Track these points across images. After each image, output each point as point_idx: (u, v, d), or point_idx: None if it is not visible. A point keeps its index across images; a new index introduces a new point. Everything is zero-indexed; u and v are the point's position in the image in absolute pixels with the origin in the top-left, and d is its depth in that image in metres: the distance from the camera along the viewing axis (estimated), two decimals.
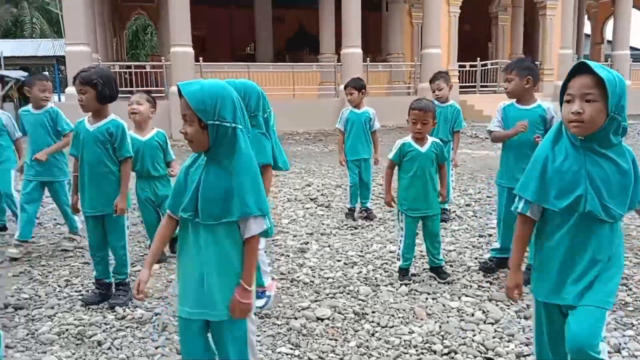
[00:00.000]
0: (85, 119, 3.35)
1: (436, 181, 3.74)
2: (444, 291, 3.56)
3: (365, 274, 3.90)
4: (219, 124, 1.89)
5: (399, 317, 3.18)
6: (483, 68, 17.59)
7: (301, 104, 14.90)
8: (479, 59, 17.39)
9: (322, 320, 3.15)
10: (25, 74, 21.16)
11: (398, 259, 3.83)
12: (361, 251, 4.44)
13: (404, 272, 3.79)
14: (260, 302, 3.16)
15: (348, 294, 3.55)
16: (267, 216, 1.98)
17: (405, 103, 4.27)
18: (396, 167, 3.80)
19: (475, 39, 21.29)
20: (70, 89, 12.93)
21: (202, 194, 1.92)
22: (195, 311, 1.99)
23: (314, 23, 17.99)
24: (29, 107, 4.58)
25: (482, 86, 17.62)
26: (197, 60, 13.62)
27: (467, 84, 17.18)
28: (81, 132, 3.31)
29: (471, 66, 17.27)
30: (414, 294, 3.54)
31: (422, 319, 3.15)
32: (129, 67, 15.21)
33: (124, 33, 25.02)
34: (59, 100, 18.04)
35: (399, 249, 3.78)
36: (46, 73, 23.68)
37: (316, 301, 3.43)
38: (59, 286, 3.77)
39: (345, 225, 5.32)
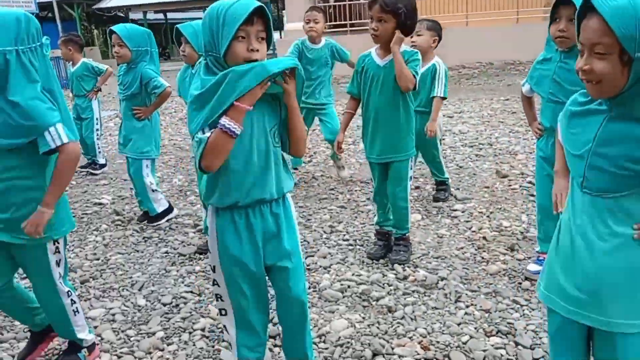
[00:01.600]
0: (372, 51, 2.92)
1: None
2: None
3: None
4: None
5: None
6: None
7: (526, 29, 13.19)
8: None
9: None
10: None
11: None
12: None
13: None
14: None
15: None
16: None
17: None
18: None
19: None
20: (292, 25, 13.17)
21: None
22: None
23: None
24: None
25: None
26: None
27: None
28: (370, 68, 2.91)
29: None
30: None
31: None
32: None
33: None
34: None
35: None
36: None
37: None
38: (324, 232, 3.57)
39: None
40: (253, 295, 1.88)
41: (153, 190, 3.80)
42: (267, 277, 1.91)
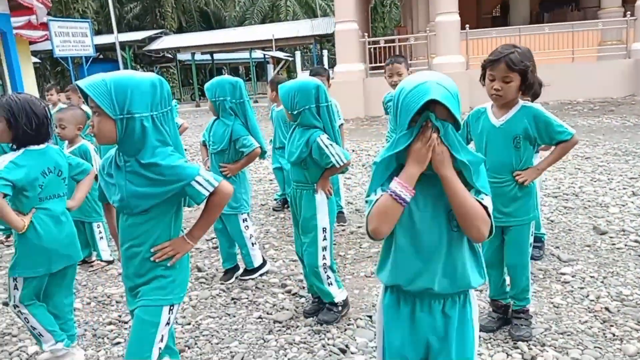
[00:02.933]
0: (487, 108, 2.74)
1: None
2: None
3: None
4: None
5: None
6: None
7: (581, 68, 12.88)
8: None
9: None
10: (284, 54, 22.87)
11: None
12: None
13: None
14: None
15: None
16: None
17: None
18: None
19: None
20: (342, 67, 13.21)
21: None
22: None
23: None
24: None
25: None
26: (462, 27, 12.78)
27: None
28: (484, 128, 2.71)
29: None
30: None
31: None
32: (392, 41, 14.92)
33: (369, 7, 25.30)
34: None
35: None
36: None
37: None
38: None
39: None
40: None
41: (253, 245, 3.69)
42: None
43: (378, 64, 14.51)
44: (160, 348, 1.90)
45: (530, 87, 2.61)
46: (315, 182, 2.94)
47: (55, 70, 28.03)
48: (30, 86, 17.58)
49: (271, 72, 19.90)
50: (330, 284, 3.02)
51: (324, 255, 2.97)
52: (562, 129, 2.59)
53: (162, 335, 1.89)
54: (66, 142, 4.15)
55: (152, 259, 1.85)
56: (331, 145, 2.86)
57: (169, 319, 1.91)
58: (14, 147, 2.61)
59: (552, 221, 4.61)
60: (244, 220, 3.65)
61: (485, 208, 1.52)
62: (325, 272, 3.00)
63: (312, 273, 3.02)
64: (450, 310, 1.61)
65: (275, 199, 5.77)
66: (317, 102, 2.87)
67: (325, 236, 2.96)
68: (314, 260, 2.98)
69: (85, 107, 5.06)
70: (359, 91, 13.48)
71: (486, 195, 1.54)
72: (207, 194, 1.80)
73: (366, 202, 1.57)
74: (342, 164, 2.90)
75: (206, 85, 3.53)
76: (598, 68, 12.83)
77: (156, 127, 1.78)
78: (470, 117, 2.78)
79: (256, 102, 25.52)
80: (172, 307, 1.91)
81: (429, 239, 1.56)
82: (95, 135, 1.80)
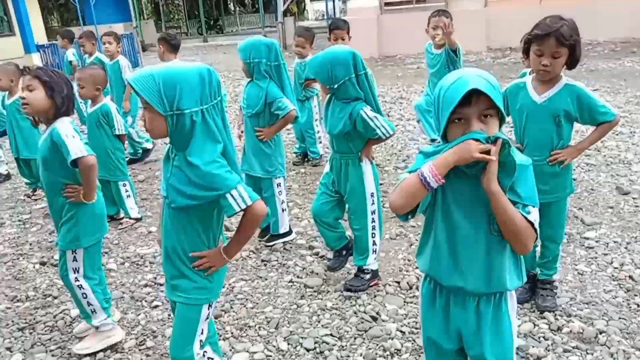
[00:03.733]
0: (527, 83, 2.67)
1: None
2: None
3: None
4: None
5: None
6: None
7: (602, 4, 12.39)
8: None
9: None
10: None
11: None
12: None
13: None
14: None
15: None
16: None
17: None
18: None
19: None
20: (356, 2, 12.72)
21: None
22: None
23: None
24: None
25: None
26: None
27: None
28: (524, 104, 2.66)
29: None
30: None
31: None
32: None
33: None
34: None
35: None
36: None
37: None
38: None
39: None
40: None
41: (283, 210, 3.73)
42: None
43: (392, 0, 14.04)
44: (201, 341, 2.00)
45: (577, 62, 2.53)
46: (359, 151, 2.95)
47: (58, 3, 27.27)
48: (35, 17, 17.22)
49: (281, 4, 19.22)
50: (374, 251, 3.10)
51: (373, 219, 3.03)
52: (605, 109, 2.55)
53: (202, 329, 1.99)
54: (89, 101, 4.16)
55: (192, 265, 1.90)
56: (375, 117, 2.84)
57: (208, 314, 1.99)
58: (36, 119, 2.63)
59: (574, 179, 4.61)
60: (278, 185, 3.68)
61: (532, 223, 1.52)
62: (373, 238, 3.07)
63: (358, 239, 3.08)
64: (485, 308, 1.65)
65: (294, 152, 5.78)
66: (356, 71, 2.81)
67: (373, 201, 3.01)
68: (359, 224, 3.03)
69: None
70: (373, 29, 13.12)
71: (533, 207, 1.54)
72: (238, 209, 1.78)
73: (398, 178, 1.61)
74: (387, 135, 2.89)
75: (240, 45, 3.44)
76: (620, 4, 12.33)
77: (205, 122, 1.76)
78: (509, 92, 2.71)
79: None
80: (210, 304, 1.99)
81: (466, 239, 1.59)
82: (147, 130, 1.80)
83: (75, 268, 2.61)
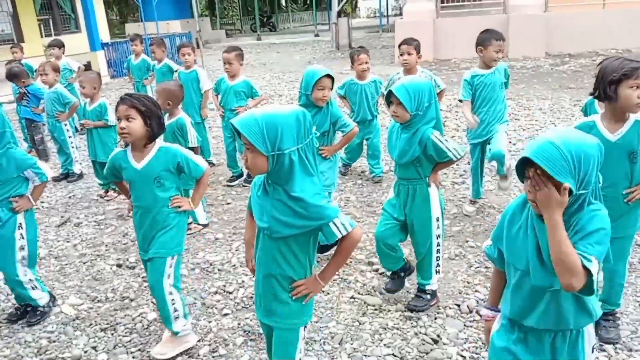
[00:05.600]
0: (597, 122, 2.70)
1: None
2: None
3: None
4: None
5: None
6: None
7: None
8: None
9: None
10: None
11: None
12: None
13: None
14: None
15: None
16: None
17: None
18: None
19: None
20: (411, 5, 12.70)
21: None
22: None
23: None
24: None
25: None
26: None
27: None
28: None
29: None
30: None
31: None
32: None
33: None
34: None
35: None
36: None
37: None
38: None
39: None
40: None
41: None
42: None
43: (449, 4, 13.93)
44: (300, 359, 2.20)
45: None
46: (427, 176, 3.06)
47: None
48: (100, 15, 17.94)
49: (335, 4, 19.32)
50: (437, 272, 3.23)
51: (438, 243, 3.16)
52: None
53: (301, 349, 2.17)
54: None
55: (290, 295, 2.07)
56: (446, 140, 2.95)
57: (304, 335, 2.17)
58: (123, 144, 2.90)
59: None
60: (331, 198, 3.85)
61: (586, 268, 1.53)
62: (437, 260, 3.20)
63: (422, 261, 3.21)
64: (560, 345, 1.76)
65: (343, 164, 5.90)
66: (432, 99, 2.95)
67: (438, 225, 3.13)
68: (424, 248, 3.16)
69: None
70: (429, 32, 13.04)
71: (595, 258, 1.55)
72: (340, 235, 1.96)
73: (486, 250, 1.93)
74: (458, 157, 2.99)
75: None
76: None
77: (301, 159, 1.93)
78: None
79: (317, 35, 25.06)
80: (306, 325, 2.15)
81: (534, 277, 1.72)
82: (248, 168, 1.97)
83: (170, 274, 2.85)
